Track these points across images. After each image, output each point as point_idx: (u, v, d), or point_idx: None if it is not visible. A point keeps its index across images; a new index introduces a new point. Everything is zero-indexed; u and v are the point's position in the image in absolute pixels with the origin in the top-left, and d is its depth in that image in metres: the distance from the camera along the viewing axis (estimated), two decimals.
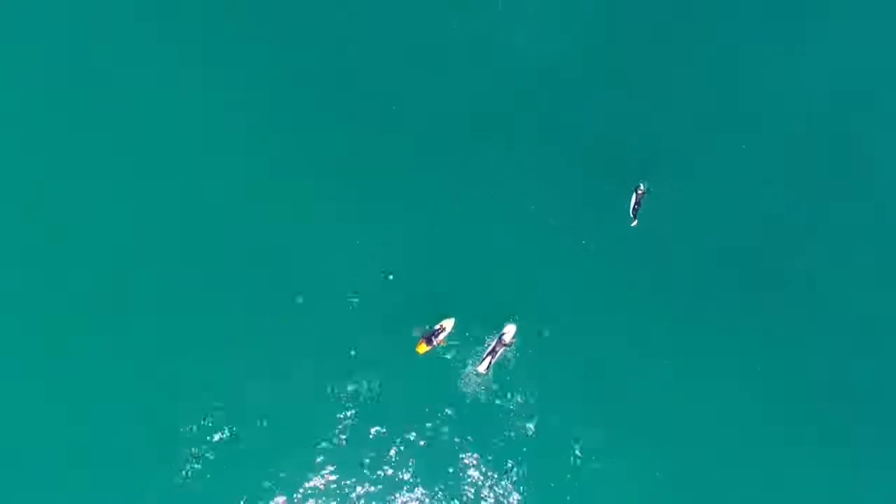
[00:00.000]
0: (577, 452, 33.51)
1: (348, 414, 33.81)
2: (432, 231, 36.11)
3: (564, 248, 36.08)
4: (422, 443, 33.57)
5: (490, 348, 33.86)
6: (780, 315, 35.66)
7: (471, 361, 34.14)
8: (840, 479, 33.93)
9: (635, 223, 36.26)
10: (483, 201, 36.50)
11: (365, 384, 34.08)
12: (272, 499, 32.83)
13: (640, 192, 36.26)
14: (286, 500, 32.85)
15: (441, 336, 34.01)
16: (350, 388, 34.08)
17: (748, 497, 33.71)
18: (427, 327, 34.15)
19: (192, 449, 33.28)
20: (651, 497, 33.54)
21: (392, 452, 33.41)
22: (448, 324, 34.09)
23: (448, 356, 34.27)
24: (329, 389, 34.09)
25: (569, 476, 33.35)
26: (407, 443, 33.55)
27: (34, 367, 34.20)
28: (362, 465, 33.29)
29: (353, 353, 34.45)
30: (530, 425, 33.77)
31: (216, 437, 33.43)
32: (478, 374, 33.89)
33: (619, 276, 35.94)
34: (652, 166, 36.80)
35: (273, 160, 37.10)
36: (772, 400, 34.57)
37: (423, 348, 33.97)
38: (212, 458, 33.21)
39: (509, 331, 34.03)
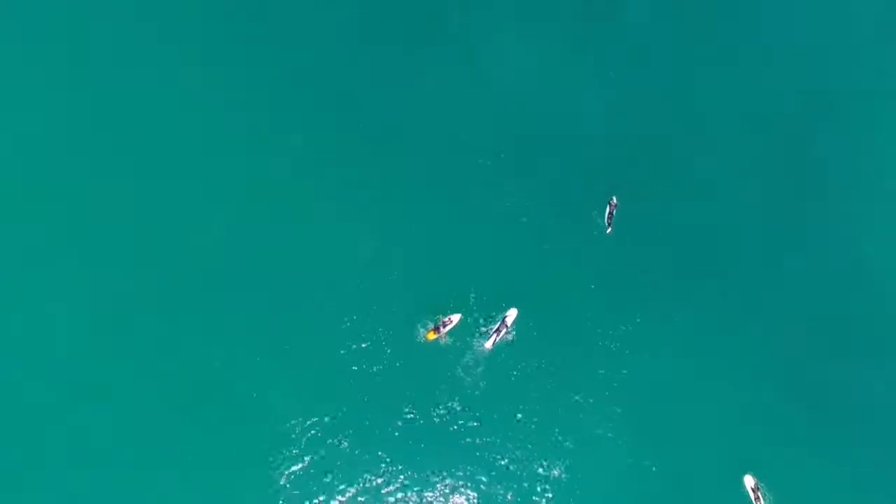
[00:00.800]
0: (560, 437, 35.45)
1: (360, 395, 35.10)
2: (444, 235, 38.49)
3: (553, 251, 38.91)
4: (429, 421, 35.13)
5: (495, 328, 36.12)
6: (742, 309, 38.93)
7: (477, 342, 36.24)
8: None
9: (609, 231, 39.69)
10: (489, 215, 39.21)
11: (377, 370, 35.51)
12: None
13: (613, 203, 39.94)
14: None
15: (447, 328, 35.88)
16: (368, 370, 35.56)
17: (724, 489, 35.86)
18: (439, 317, 36.24)
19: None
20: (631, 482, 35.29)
21: (399, 432, 34.78)
22: (455, 318, 36.32)
23: (449, 343, 36.12)
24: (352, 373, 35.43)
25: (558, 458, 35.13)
26: (411, 421, 35.03)
27: None
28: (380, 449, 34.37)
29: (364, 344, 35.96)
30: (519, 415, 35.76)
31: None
32: (484, 350, 36.05)
33: (599, 272, 38.93)
34: (622, 182, 40.50)
35: (294, 165, 38.93)
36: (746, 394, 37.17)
37: (431, 336, 35.94)
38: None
39: (511, 314, 36.50)
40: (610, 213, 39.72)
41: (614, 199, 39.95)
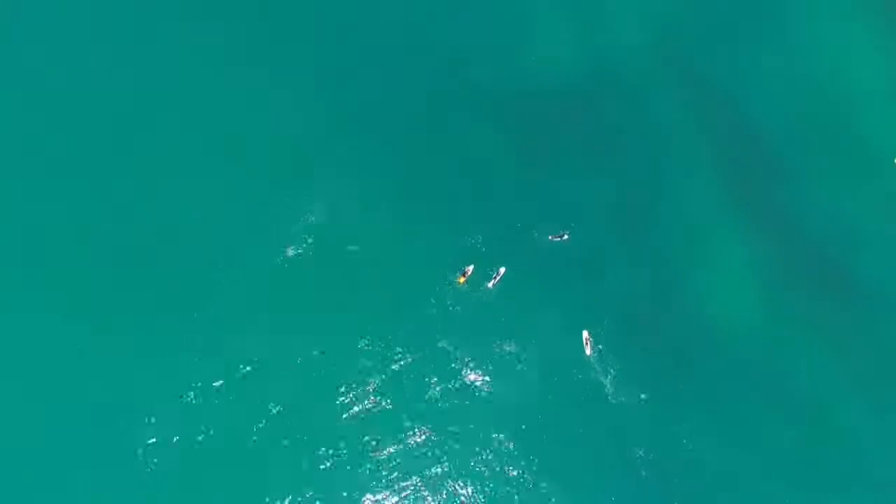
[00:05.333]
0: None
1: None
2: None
3: (525, 241, 71.40)
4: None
5: (494, 276, 69.70)
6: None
7: (484, 283, 69.20)
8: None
9: (550, 238, 72.08)
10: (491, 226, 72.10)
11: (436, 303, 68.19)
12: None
13: (565, 236, 75.77)
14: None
15: (468, 274, 70.01)
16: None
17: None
18: (462, 269, 69.24)
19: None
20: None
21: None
22: (470, 268, 69.00)
23: (467, 286, 68.45)
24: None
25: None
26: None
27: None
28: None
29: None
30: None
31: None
32: (488, 288, 69.34)
33: (548, 252, 71.12)
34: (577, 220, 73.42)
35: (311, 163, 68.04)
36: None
37: (461, 280, 69.79)
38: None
39: (501, 270, 69.88)
40: (559, 237, 71.91)
41: (566, 234, 75.93)
